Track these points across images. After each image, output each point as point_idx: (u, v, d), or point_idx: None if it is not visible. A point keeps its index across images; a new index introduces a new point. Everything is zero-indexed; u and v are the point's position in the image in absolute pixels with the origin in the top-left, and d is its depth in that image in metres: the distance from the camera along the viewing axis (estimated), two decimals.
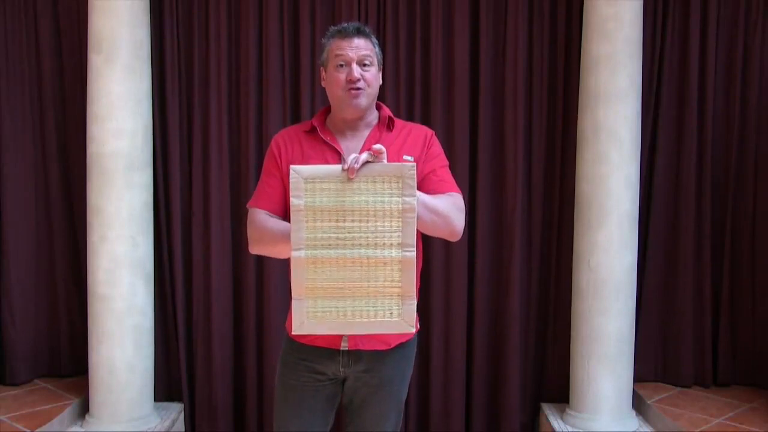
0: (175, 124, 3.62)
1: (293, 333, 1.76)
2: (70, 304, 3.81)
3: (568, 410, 3.47)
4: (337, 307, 1.73)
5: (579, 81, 3.44)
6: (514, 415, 3.68)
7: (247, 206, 2.00)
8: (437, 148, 2.02)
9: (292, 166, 1.71)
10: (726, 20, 3.64)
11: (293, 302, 1.73)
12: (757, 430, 3.21)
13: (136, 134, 3.28)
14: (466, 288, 3.68)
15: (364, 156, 1.67)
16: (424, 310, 3.71)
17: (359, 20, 3.59)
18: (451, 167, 3.54)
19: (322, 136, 1.97)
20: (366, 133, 1.98)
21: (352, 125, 1.98)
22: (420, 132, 2.02)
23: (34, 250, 3.75)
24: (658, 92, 3.67)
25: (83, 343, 3.47)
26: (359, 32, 1.94)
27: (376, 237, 1.70)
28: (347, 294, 1.72)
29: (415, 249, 1.71)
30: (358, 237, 1.70)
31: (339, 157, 1.94)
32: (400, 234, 1.70)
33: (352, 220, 1.70)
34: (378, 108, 2.04)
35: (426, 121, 3.63)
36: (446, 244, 3.65)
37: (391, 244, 1.71)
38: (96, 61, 3.23)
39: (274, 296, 3.60)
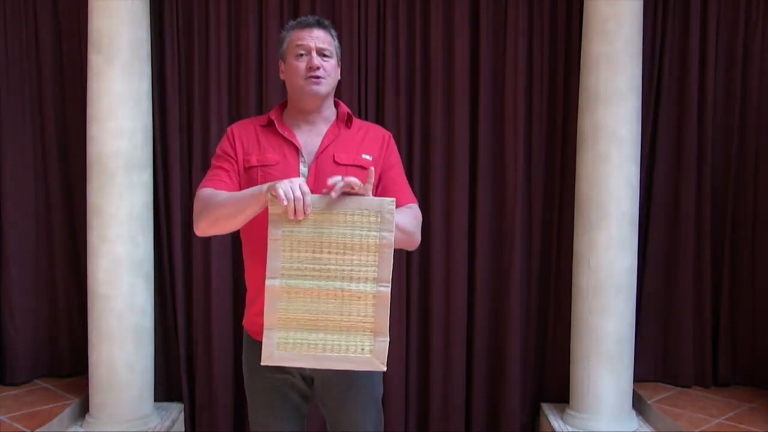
0: (175, 124, 3.62)
1: (262, 363, 1.73)
2: (70, 304, 3.81)
3: (568, 410, 3.47)
4: (308, 340, 1.72)
5: (579, 81, 3.44)
6: (514, 415, 3.68)
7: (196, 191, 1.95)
8: (395, 153, 2.03)
9: (270, 202, 1.68)
10: (726, 20, 3.64)
11: (264, 332, 1.71)
12: (757, 430, 3.21)
13: (136, 134, 3.28)
14: (466, 288, 3.68)
15: (351, 178, 1.66)
16: (424, 311, 3.72)
17: (359, 20, 3.60)
18: (451, 167, 3.62)
19: (279, 129, 1.95)
20: (324, 128, 1.98)
21: (309, 119, 1.97)
22: (378, 132, 2.03)
23: (34, 250, 3.74)
24: (658, 92, 3.67)
25: (83, 343, 3.47)
26: (319, 24, 1.97)
27: (352, 270, 1.70)
28: (320, 327, 1.71)
29: (389, 284, 1.71)
30: (334, 269, 1.70)
31: (297, 152, 1.92)
32: (377, 269, 1.70)
33: (329, 252, 1.70)
34: (336, 105, 2.04)
35: (426, 121, 3.63)
36: (446, 244, 3.65)
37: (367, 279, 1.71)
38: (96, 61, 3.23)
39: None
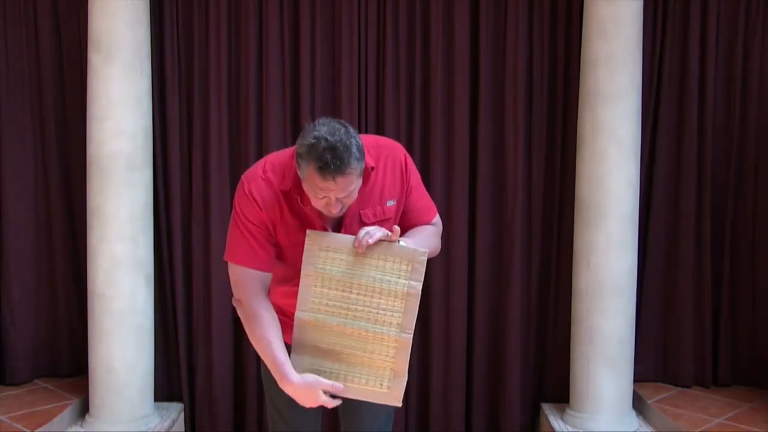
0: (175, 124, 3.61)
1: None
2: (70, 304, 3.81)
3: (568, 410, 3.47)
4: (332, 369, 1.81)
5: (579, 81, 3.44)
6: (514, 415, 3.68)
7: (227, 260, 1.88)
8: (413, 173, 1.95)
9: (309, 232, 1.77)
10: (726, 20, 3.64)
11: (292, 355, 1.81)
12: (757, 430, 3.21)
13: (136, 134, 3.28)
14: (466, 288, 3.68)
15: (380, 234, 1.72)
16: (424, 311, 3.71)
17: (359, 20, 3.58)
18: (451, 167, 3.61)
19: (303, 206, 1.82)
20: None
21: None
22: (395, 161, 1.91)
23: (34, 250, 3.74)
24: (658, 92, 3.67)
25: (83, 343, 3.47)
26: (340, 171, 1.66)
27: (378, 313, 1.78)
28: (343, 358, 1.80)
29: (412, 332, 1.78)
30: (361, 310, 1.78)
31: (323, 227, 1.85)
32: (401, 315, 1.78)
33: (358, 293, 1.78)
34: None
35: (426, 121, 3.63)
36: (446, 244, 3.64)
37: (391, 323, 1.78)
38: (96, 61, 3.23)
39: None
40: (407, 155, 1.97)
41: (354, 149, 1.67)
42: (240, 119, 3.65)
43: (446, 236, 3.64)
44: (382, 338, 1.78)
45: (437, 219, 2.02)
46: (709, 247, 3.69)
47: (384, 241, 1.75)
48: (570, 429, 3.37)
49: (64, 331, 3.81)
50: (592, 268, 3.30)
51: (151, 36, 3.43)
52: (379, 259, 1.77)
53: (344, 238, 1.79)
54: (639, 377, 3.64)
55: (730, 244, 3.73)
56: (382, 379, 1.80)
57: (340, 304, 1.78)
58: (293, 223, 1.85)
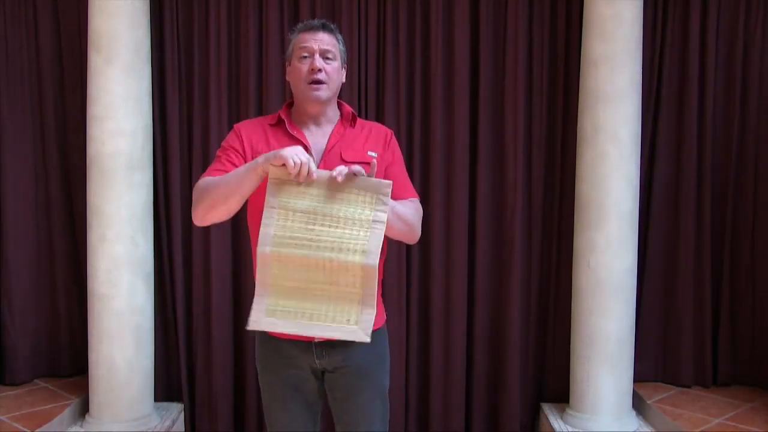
0: (175, 124, 3.62)
1: (248, 328, 1.79)
2: (70, 304, 3.81)
3: (568, 410, 3.47)
4: (296, 308, 1.77)
5: (579, 81, 3.44)
6: (514, 415, 3.68)
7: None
8: (397, 150, 2.08)
9: (271, 168, 1.73)
10: (726, 20, 3.64)
11: (255, 298, 1.76)
12: (757, 430, 3.21)
13: (136, 134, 3.28)
14: (466, 288, 3.68)
15: (356, 168, 1.73)
16: (424, 310, 3.72)
17: (359, 20, 3.60)
18: (451, 167, 3.61)
19: (288, 129, 1.98)
20: (329, 128, 2.02)
21: (315, 120, 2.01)
22: (380, 131, 2.08)
23: (34, 250, 3.74)
24: (658, 92, 3.67)
25: (83, 343, 3.47)
26: (324, 27, 1.99)
27: (342, 242, 1.74)
28: (308, 295, 1.76)
29: (378, 260, 1.75)
30: (324, 240, 1.74)
31: (307, 151, 1.93)
32: (366, 242, 1.74)
33: (322, 225, 1.75)
34: (339, 106, 2.08)
35: (426, 121, 3.63)
36: (446, 244, 3.65)
37: (356, 250, 1.74)
38: (96, 61, 3.23)
39: None
40: (394, 135, 2.09)
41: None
42: (240, 119, 3.64)
43: (446, 236, 3.66)
44: (347, 267, 1.74)
45: (418, 201, 2.02)
46: (709, 247, 3.69)
47: (355, 175, 1.75)
48: (570, 429, 3.37)
49: (64, 331, 3.81)
50: (592, 267, 3.30)
51: (151, 36, 3.43)
52: (344, 192, 1.74)
53: (309, 172, 1.75)
54: (639, 377, 3.64)
55: (730, 244, 3.73)
56: (349, 314, 1.76)
57: (303, 236, 1.74)
58: (279, 145, 1.91)
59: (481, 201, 3.66)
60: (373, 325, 1.78)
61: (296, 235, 1.74)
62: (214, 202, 1.82)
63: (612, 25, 3.23)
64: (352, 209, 1.75)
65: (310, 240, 1.74)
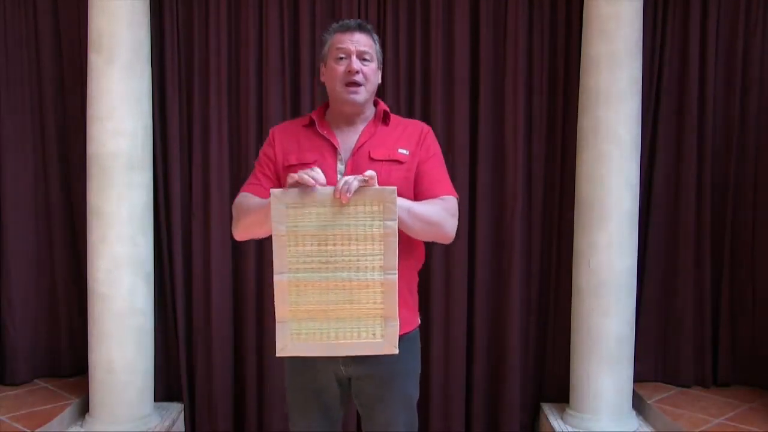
0: (175, 124, 3.61)
1: (277, 355, 1.78)
2: (70, 304, 3.81)
3: (568, 410, 3.47)
4: (321, 329, 1.76)
5: (579, 81, 3.44)
6: (514, 415, 3.68)
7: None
8: (433, 144, 2.03)
9: (272, 191, 1.73)
10: (726, 20, 3.64)
11: (277, 325, 1.75)
12: (757, 430, 3.21)
13: (136, 134, 3.28)
14: (466, 288, 3.67)
15: (356, 183, 1.69)
16: (424, 311, 3.69)
17: (359, 18, 3.60)
18: (451, 167, 3.59)
19: (319, 129, 1.98)
20: (362, 127, 2.00)
21: (349, 120, 2.00)
22: (416, 127, 2.03)
23: (34, 250, 3.74)
24: (658, 92, 3.67)
25: (83, 343, 3.47)
26: (361, 28, 1.96)
27: (359, 260, 1.74)
28: (331, 316, 1.75)
29: (396, 271, 1.74)
30: (340, 260, 1.74)
31: (334, 151, 1.94)
32: (382, 257, 1.73)
33: (335, 244, 1.74)
34: (375, 103, 2.05)
35: (426, 120, 3.62)
36: (446, 244, 3.65)
37: (374, 267, 1.74)
38: (96, 61, 3.22)
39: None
40: (431, 131, 2.05)
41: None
42: (240, 119, 3.65)
43: None
44: (367, 285, 1.74)
45: (451, 199, 1.96)
46: (709, 247, 3.69)
47: (362, 187, 1.72)
48: (570, 429, 3.37)
49: (64, 331, 3.81)
50: (593, 267, 3.30)
51: (151, 36, 3.42)
52: (350, 206, 1.71)
53: (311, 193, 1.74)
54: (639, 377, 3.64)
55: (730, 244, 3.73)
56: (374, 328, 1.75)
57: (318, 258, 1.73)
58: (311, 146, 1.95)
59: (481, 201, 3.66)
60: (399, 330, 1.77)
61: (311, 258, 1.74)
62: (249, 226, 1.89)
63: (612, 24, 3.23)
64: (361, 223, 1.73)
65: (326, 262, 1.74)
